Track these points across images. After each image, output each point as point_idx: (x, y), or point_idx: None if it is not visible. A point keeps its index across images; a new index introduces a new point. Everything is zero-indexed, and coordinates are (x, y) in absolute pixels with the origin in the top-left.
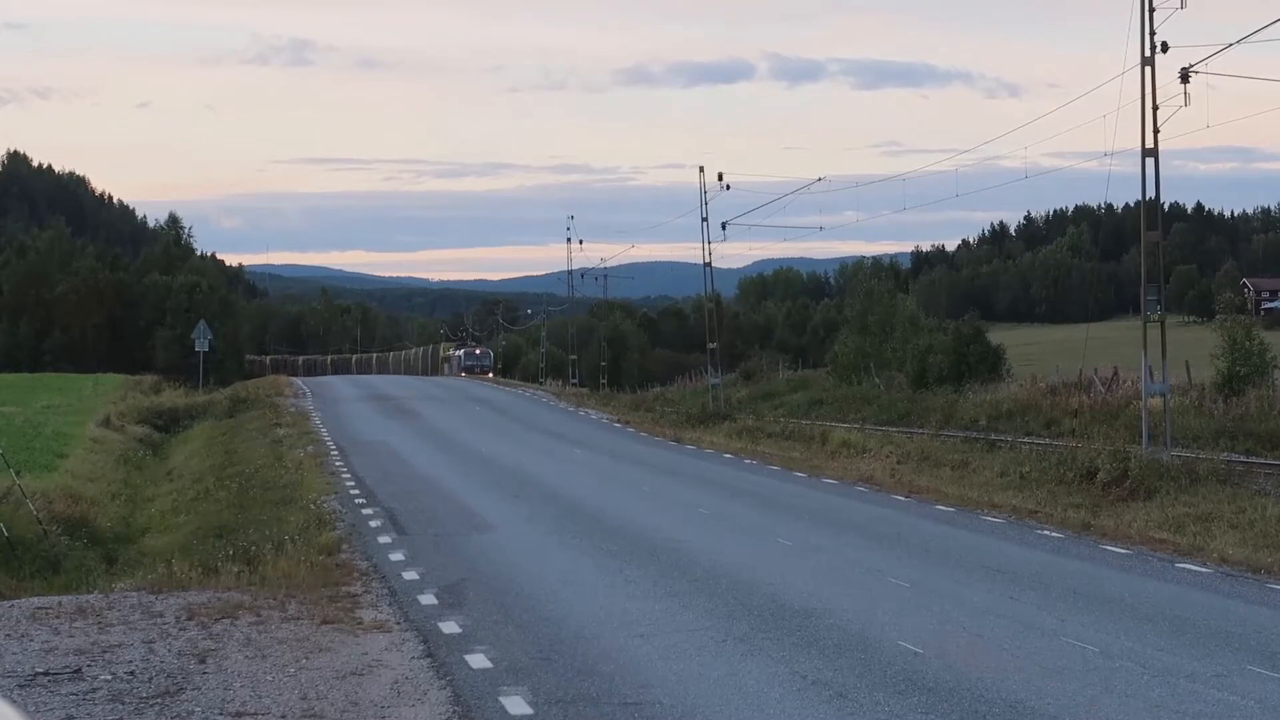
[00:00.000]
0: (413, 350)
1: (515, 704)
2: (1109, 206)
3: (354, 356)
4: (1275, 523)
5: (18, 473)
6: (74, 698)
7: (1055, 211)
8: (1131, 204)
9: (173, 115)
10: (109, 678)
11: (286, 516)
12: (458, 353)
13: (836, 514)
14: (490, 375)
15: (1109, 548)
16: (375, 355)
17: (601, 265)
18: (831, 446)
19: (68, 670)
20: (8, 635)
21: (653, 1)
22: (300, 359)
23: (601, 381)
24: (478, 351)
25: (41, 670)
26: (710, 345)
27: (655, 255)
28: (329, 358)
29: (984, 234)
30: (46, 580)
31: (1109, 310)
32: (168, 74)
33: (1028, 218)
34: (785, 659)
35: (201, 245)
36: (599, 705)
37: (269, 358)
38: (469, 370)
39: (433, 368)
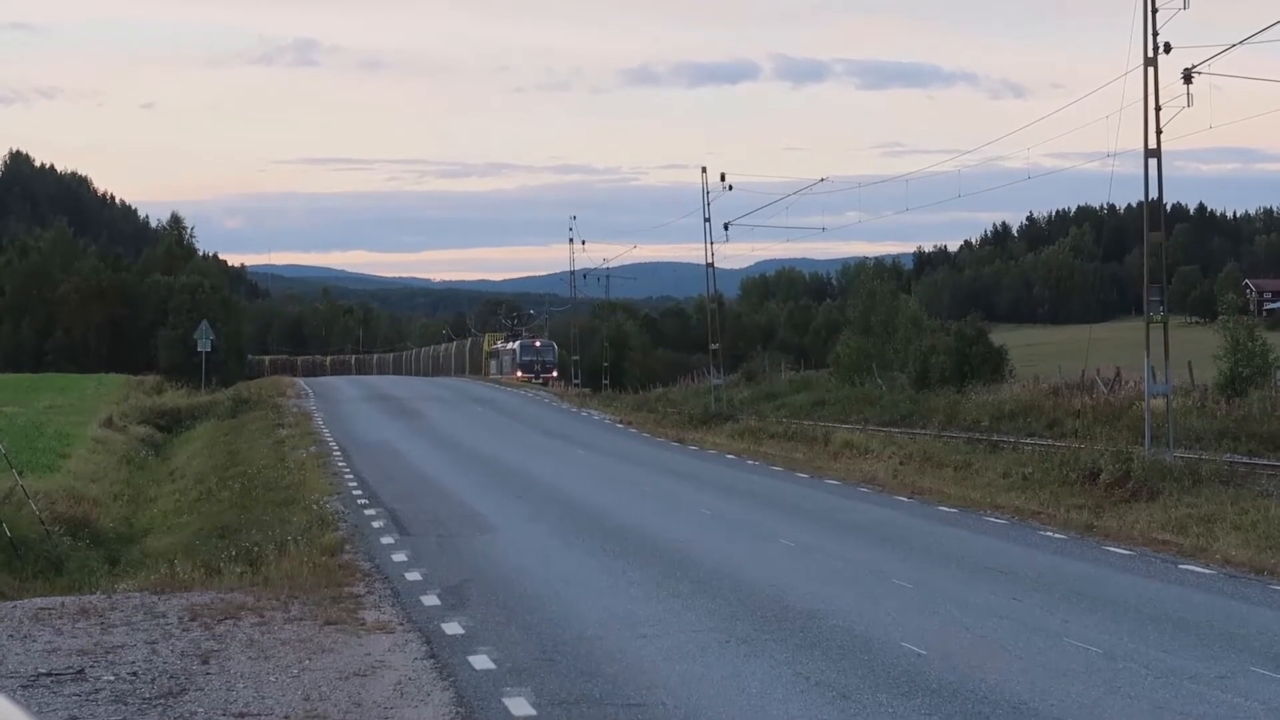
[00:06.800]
0: (440, 347)
1: (518, 705)
2: (1111, 207)
3: (354, 357)
4: (1278, 524)
5: (20, 473)
6: (77, 698)
7: (1058, 212)
8: (1134, 205)
9: (177, 116)
10: (112, 678)
11: (289, 517)
12: (510, 346)
13: (839, 515)
14: (555, 375)
15: (1112, 549)
16: (377, 355)
17: (604, 266)
18: (834, 447)
19: (70, 671)
20: (11, 636)
21: (657, 2)
22: (299, 359)
23: (604, 382)
24: (538, 344)
25: (44, 671)
26: (712, 346)
27: (658, 256)
28: (328, 358)
29: (986, 234)
30: (49, 581)
31: (1111, 311)
32: (172, 75)
33: (1030, 218)
34: (788, 660)
35: (204, 245)
36: (602, 706)
37: (268, 358)
38: (527, 369)
39: (471, 367)
